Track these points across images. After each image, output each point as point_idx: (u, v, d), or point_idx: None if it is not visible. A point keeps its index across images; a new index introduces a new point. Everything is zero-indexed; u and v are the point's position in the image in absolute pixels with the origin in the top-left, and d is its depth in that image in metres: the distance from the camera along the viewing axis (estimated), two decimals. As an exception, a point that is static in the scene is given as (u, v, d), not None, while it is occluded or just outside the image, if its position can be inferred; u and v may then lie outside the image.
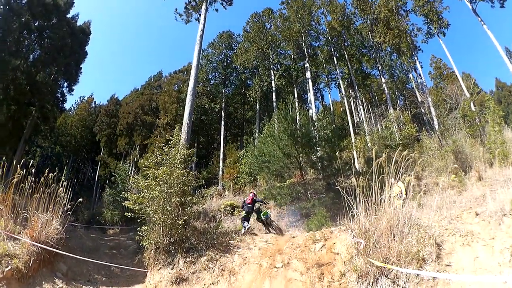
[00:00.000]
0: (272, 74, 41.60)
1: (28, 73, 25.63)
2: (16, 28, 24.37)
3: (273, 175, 24.18)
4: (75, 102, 62.24)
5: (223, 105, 42.12)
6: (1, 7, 23.63)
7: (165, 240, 13.81)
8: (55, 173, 13.39)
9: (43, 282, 12.49)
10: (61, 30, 27.70)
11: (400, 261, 8.14)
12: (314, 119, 28.19)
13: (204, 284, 12.22)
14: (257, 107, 41.40)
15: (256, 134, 33.96)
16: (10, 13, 23.84)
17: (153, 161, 15.36)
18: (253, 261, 12.27)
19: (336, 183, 21.80)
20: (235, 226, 17.17)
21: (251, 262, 12.29)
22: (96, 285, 14.28)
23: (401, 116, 33.23)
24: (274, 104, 37.90)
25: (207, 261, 12.92)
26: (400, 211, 9.01)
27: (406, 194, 10.76)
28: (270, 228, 17.26)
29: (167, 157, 15.36)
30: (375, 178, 9.04)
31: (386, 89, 37.99)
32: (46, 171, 13.46)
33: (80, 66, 31.72)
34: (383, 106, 38.22)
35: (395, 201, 9.45)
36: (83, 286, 13.55)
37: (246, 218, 17.18)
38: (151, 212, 13.99)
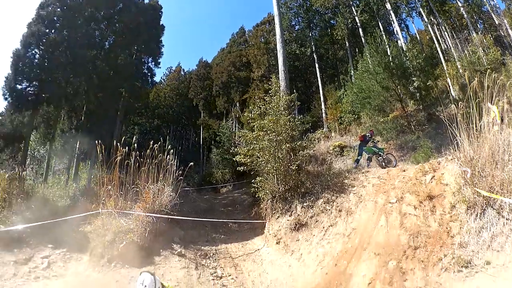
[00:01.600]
0: (354, 10, 40.22)
1: (108, 59, 26.86)
2: (81, 23, 25.27)
3: (375, 110, 24.06)
4: (164, 74, 64.15)
5: (313, 48, 41.52)
6: (59, 9, 24.54)
7: (280, 188, 14.22)
8: (159, 143, 13.89)
9: (161, 250, 13.35)
10: (130, 13, 28.49)
11: (504, 190, 8.00)
12: (404, 49, 27.53)
13: (323, 227, 12.59)
14: (347, 45, 40.33)
15: (352, 72, 33.50)
16: (70, 12, 24.71)
17: (257, 112, 15.77)
18: (368, 199, 12.36)
19: (437, 113, 21.25)
20: (345, 166, 17.23)
21: (366, 199, 12.38)
22: (215, 244, 14.86)
23: (484, 40, 31.29)
24: (363, 39, 36.73)
25: (324, 203, 13.22)
26: (499, 138, 8.77)
27: (502, 121, 10.11)
28: (382, 163, 17.26)
29: (270, 106, 15.63)
30: (472, 105, 8.88)
31: (464, 13, 35.99)
32: (151, 143, 14.09)
33: (160, 39, 32.56)
34: (465, 31, 36.31)
35: (493, 127, 8.99)
36: (202, 247, 14.34)
37: (359, 155, 17.79)
38: (263, 162, 14.42)
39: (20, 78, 23.63)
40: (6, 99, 24.12)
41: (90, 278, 12.44)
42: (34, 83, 23.68)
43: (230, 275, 12.19)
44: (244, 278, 12.01)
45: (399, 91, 23.21)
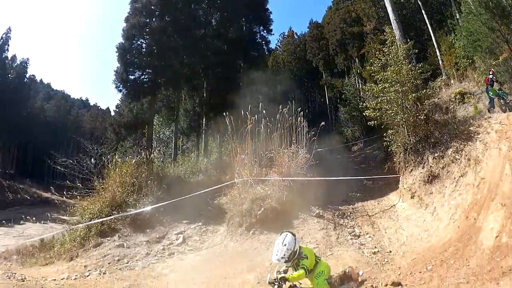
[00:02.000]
0: None
1: (218, 36, 27.33)
2: (181, 7, 25.84)
3: (486, 53, 22.68)
4: (278, 41, 64.08)
5: (416, -6, 39.33)
6: None
7: (411, 139, 13.91)
8: (287, 107, 14.07)
9: (299, 213, 13.40)
10: (231, -13, 28.69)
11: None
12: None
13: (454, 178, 12.09)
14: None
15: (457, 15, 31.98)
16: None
17: (378, 64, 15.30)
18: (493, 146, 11.76)
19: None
20: (468, 113, 16.45)
21: (491, 147, 11.78)
22: (352, 203, 14.85)
23: None
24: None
25: (453, 152, 12.69)
26: None
27: None
28: (503, 107, 16.28)
29: (389, 57, 15.10)
30: None
31: None
32: (279, 107, 14.22)
33: (266, 7, 32.13)
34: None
35: None
36: (339, 207, 14.27)
37: (490, 99, 16.64)
38: (391, 114, 14.11)
39: (131, 69, 24.80)
40: (120, 90, 25.53)
41: (228, 248, 12.83)
42: (147, 70, 24.77)
43: (367, 234, 12.07)
44: (381, 235, 11.83)
45: (503, 31, 21.68)
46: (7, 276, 13.47)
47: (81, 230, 15.71)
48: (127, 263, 13.23)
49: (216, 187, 15.57)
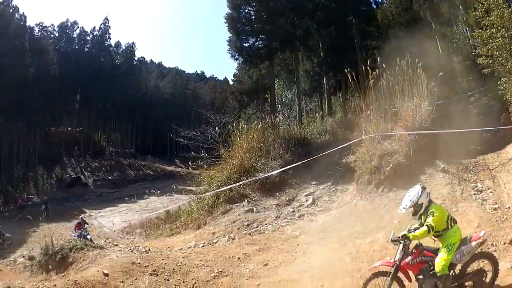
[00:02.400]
0: None
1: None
2: None
3: None
4: None
5: None
6: None
7: None
8: (405, 59, 13.82)
9: (425, 168, 13.18)
10: None
11: None
12: None
13: None
14: None
15: None
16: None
17: (482, 9, 14.78)
18: None
19: None
20: None
21: None
22: (473, 156, 14.36)
23: None
24: None
25: None
26: None
27: None
28: None
29: (490, 0, 14.36)
30: None
31: None
32: (397, 60, 14.07)
33: None
34: None
35: None
36: (462, 161, 13.76)
37: None
38: (502, 61, 13.57)
39: (243, 37, 25.45)
40: (236, 59, 26.36)
41: (357, 207, 12.98)
42: (260, 36, 25.26)
43: (488, 189, 11.64)
44: (501, 190, 11.36)
45: None
46: (130, 249, 14.22)
47: (209, 199, 16.60)
48: (257, 227, 13.73)
49: (343, 145, 15.67)
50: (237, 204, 15.44)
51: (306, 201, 15.06)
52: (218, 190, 16.38)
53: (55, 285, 9.31)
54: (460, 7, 33.24)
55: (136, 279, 9.64)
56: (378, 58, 14.92)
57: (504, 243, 8.25)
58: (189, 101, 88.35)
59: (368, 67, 14.46)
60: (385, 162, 13.26)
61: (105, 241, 18.61)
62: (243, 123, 21.95)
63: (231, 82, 71.75)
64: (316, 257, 9.68)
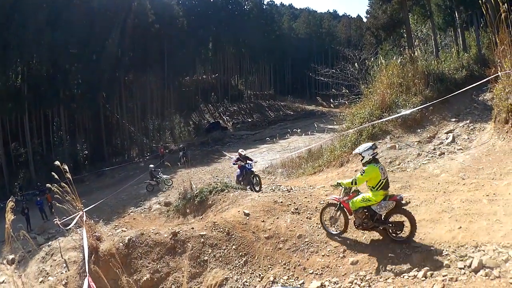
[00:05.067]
0: None
1: None
2: None
3: None
4: None
5: None
6: None
7: None
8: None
9: None
10: None
11: None
12: None
13: None
14: None
15: None
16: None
17: None
18: None
19: None
20: None
21: None
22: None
23: None
24: None
25: None
26: None
27: None
28: None
29: None
30: None
31: None
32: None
33: None
34: None
35: None
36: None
37: None
38: None
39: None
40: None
41: (495, 147, 12.77)
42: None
43: None
44: None
45: None
46: (271, 189, 15.21)
47: (352, 136, 17.04)
48: (399, 164, 14.22)
49: (480, 82, 14.90)
50: (380, 141, 15.82)
51: (446, 139, 15.07)
52: (360, 127, 16.74)
53: (192, 228, 10.12)
54: None
55: (277, 218, 10.30)
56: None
57: None
58: (325, 40, 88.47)
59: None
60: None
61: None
62: (382, 58, 21.66)
63: (364, 20, 70.59)
64: (455, 197, 9.75)
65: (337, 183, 8.90)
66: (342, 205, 8.76)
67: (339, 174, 15.14)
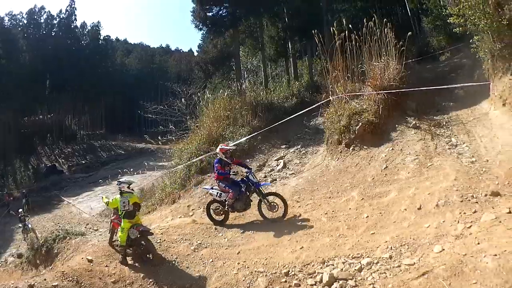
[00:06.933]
0: None
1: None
2: None
3: None
4: None
5: None
6: None
7: (497, 45, 13.36)
8: (372, 19, 14.00)
9: (396, 125, 13.47)
10: None
11: None
12: None
13: None
14: None
15: None
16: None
17: None
18: None
19: None
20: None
21: None
22: (446, 112, 14.63)
23: None
24: None
25: None
26: None
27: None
28: None
29: None
30: None
31: None
32: (364, 21, 14.19)
33: None
34: None
35: None
36: (434, 117, 14.11)
37: None
38: (475, 20, 13.73)
39: (207, 7, 25.20)
40: (200, 29, 26.37)
41: (329, 167, 13.19)
42: (224, 5, 25.06)
43: (464, 143, 12.05)
44: (477, 144, 11.74)
45: None
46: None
47: (181, 172, 16.72)
48: None
49: (311, 107, 15.72)
50: (209, 175, 15.48)
51: (277, 165, 15.27)
52: (188, 163, 16.46)
53: (45, 279, 9.50)
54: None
55: (119, 261, 10.01)
56: (344, 20, 15.03)
57: (486, 195, 8.50)
58: (155, 75, 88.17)
59: (334, 29, 14.52)
60: (354, 121, 13.42)
61: (85, 227, 19.01)
62: (208, 92, 22.15)
63: (196, 53, 71.87)
64: (293, 220, 10.26)
65: (105, 202, 10.64)
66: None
67: (172, 211, 14.75)
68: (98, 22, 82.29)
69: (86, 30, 78.80)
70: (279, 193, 11.30)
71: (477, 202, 8.31)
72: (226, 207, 11.04)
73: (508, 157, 10.21)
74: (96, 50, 76.87)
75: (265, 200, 10.60)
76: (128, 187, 9.97)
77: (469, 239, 7.09)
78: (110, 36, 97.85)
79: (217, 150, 11.42)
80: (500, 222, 7.23)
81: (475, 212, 8.00)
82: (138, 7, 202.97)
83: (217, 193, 11.16)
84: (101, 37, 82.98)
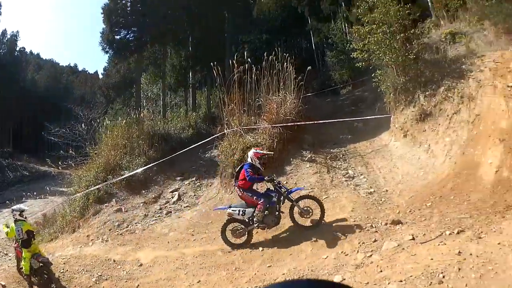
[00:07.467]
0: None
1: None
2: None
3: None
4: None
5: None
6: None
7: (401, 79, 13.91)
8: (273, 53, 14.22)
9: (291, 159, 13.71)
10: None
11: None
12: None
13: (447, 116, 12.34)
14: None
15: None
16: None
17: (365, 7, 15.30)
18: (487, 83, 11.91)
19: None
20: (459, 53, 16.61)
21: (485, 84, 11.94)
22: (343, 145, 15.00)
23: None
24: None
25: (446, 90, 12.87)
26: None
27: None
28: None
29: None
30: None
31: None
32: (265, 55, 14.39)
33: None
34: None
35: None
36: (331, 150, 14.37)
37: None
38: (380, 55, 14.19)
39: (116, 29, 24.76)
40: (106, 52, 25.73)
41: (223, 200, 13.19)
42: (132, 29, 24.76)
43: (361, 174, 12.34)
44: (376, 175, 12.10)
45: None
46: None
47: (79, 200, 16.05)
48: (127, 227, 13.71)
49: (206, 140, 15.89)
50: (106, 204, 15.21)
51: (172, 197, 15.08)
52: (86, 191, 15.88)
53: None
54: (343, 4, 34.91)
55: None
56: (246, 53, 15.18)
57: (386, 224, 8.79)
58: (61, 96, 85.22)
59: (235, 62, 14.62)
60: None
61: (-4, 251, 17.66)
62: (108, 119, 22.10)
63: (101, 76, 70.60)
64: (189, 254, 10.24)
65: (5, 232, 10.33)
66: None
67: (73, 240, 14.09)
68: (17, 31, 76.60)
69: (6, 39, 74.38)
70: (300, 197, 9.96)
71: (376, 232, 8.57)
72: (255, 224, 9.59)
73: (409, 186, 10.74)
74: (11, 62, 73.38)
75: (297, 205, 9.48)
76: (20, 215, 9.68)
77: (371, 268, 7.19)
78: (25, 48, 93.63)
79: (250, 154, 10.33)
80: (403, 249, 7.41)
81: (375, 241, 8.20)
82: (55, 20, 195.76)
83: (239, 210, 9.76)
84: (17, 48, 79.60)
